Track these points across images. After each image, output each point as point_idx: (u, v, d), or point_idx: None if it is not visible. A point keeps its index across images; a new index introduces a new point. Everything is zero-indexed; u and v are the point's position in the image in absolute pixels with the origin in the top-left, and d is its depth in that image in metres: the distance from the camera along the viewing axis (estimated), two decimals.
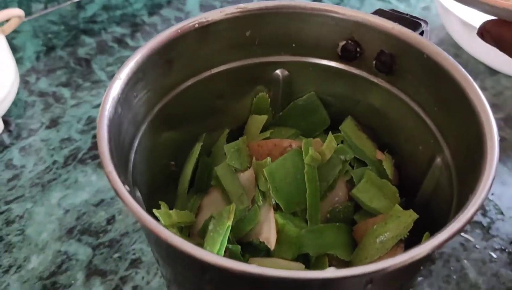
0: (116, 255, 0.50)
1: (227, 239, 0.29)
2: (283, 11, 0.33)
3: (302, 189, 0.31)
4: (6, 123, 0.62)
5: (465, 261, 0.50)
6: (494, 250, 0.51)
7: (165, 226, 0.26)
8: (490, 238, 0.52)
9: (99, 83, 0.69)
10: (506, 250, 0.51)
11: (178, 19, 0.82)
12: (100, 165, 0.57)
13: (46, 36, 0.77)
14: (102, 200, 0.55)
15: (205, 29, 0.32)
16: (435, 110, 0.32)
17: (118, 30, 0.79)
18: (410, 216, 0.30)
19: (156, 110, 0.33)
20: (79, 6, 0.83)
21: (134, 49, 0.74)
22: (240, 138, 0.36)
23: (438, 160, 0.31)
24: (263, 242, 0.30)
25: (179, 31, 0.31)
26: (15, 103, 0.64)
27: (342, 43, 0.35)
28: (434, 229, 0.26)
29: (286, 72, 0.37)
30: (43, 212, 0.53)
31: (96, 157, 0.59)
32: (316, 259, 0.30)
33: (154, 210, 0.30)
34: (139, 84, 0.31)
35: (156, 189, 0.34)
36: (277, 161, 0.31)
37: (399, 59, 0.32)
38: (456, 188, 0.29)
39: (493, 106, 0.64)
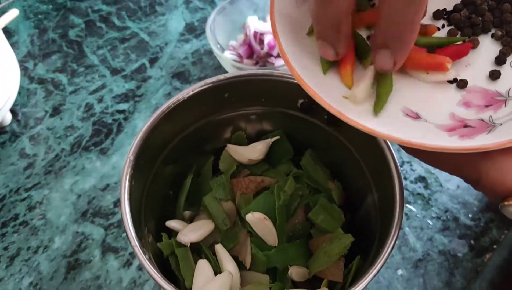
0: (124, 234, 0.60)
1: None
2: (255, 78, 0.41)
3: (272, 220, 0.41)
4: (13, 113, 0.70)
5: (407, 229, 0.62)
6: (431, 218, 0.63)
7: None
8: (429, 208, 0.63)
9: (93, 68, 0.76)
10: (441, 218, 0.62)
11: None
12: (103, 152, 0.67)
13: (37, 17, 0.82)
14: (107, 185, 0.64)
15: (193, 97, 0.40)
16: (370, 162, 0.41)
17: (104, 8, 0.83)
18: (348, 239, 0.40)
19: (159, 161, 0.42)
20: None
21: (121, 29, 0.81)
22: (222, 175, 0.45)
23: (370, 197, 0.42)
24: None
25: (172, 105, 0.40)
26: (18, 92, 0.71)
27: (301, 100, 0.43)
28: (365, 248, 0.37)
29: (259, 116, 0.46)
30: (59, 197, 0.63)
31: (97, 144, 0.68)
32: (282, 270, 0.42)
33: (159, 244, 0.41)
34: (145, 153, 0.40)
35: (160, 212, 0.44)
36: (253, 203, 0.42)
37: None
38: (379, 223, 0.39)
39: None
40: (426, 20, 0.40)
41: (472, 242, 0.60)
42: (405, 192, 0.64)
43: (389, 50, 0.31)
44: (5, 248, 0.59)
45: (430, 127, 0.33)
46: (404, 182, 0.65)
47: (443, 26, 0.39)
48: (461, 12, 0.39)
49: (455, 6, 0.39)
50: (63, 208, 0.62)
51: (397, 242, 0.61)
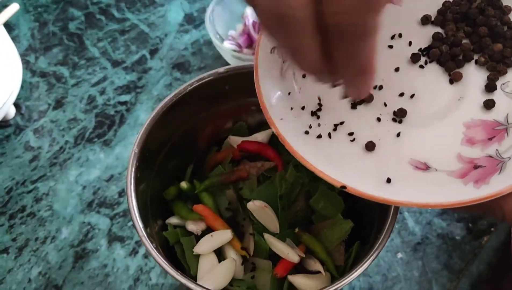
0: (130, 223, 0.62)
1: None
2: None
3: (274, 208, 0.43)
4: (16, 106, 0.71)
5: (406, 213, 0.63)
6: None
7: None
8: None
9: (94, 60, 0.76)
10: None
11: None
12: (106, 143, 0.68)
13: (37, 10, 0.82)
14: (112, 176, 0.65)
15: (194, 91, 0.42)
16: None
17: (103, 0, 0.84)
18: (348, 224, 0.42)
19: (163, 152, 0.43)
20: None
21: (121, 21, 0.81)
22: (220, 165, 0.47)
23: None
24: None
25: (174, 98, 0.41)
26: (21, 86, 0.72)
27: None
28: (365, 234, 0.39)
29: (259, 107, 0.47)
30: (64, 189, 0.64)
31: (101, 135, 0.69)
32: None
33: (165, 233, 0.42)
34: (150, 145, 0.41)
35: (165, 202, 0.45)
36: (255, 192, 0.43)
37: None
38: (378, 209, 0.40)
39: None
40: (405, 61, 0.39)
41: (470, 225, 0.61)
42: None
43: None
44: (14, 239, 0.60)
45: (443, 176, 0.33)
46: None
47: (426, 63, 0.38)
48: (439, 47, 0.38)
49: (433, 40, 0.39)
50: (69, 199, 0.63)
51: (396, 226, 0.62)
